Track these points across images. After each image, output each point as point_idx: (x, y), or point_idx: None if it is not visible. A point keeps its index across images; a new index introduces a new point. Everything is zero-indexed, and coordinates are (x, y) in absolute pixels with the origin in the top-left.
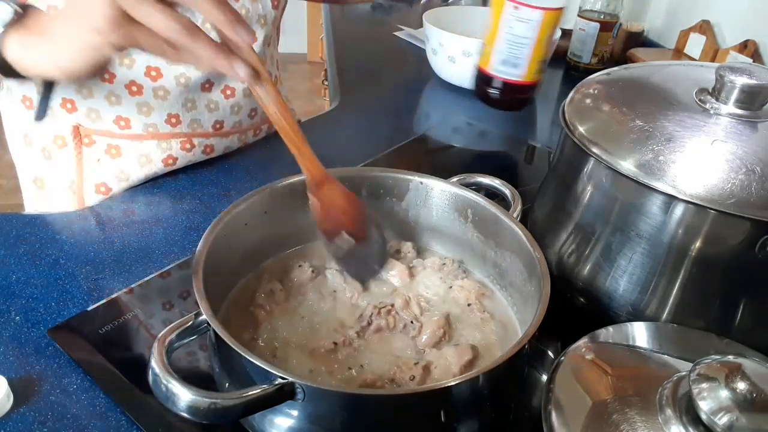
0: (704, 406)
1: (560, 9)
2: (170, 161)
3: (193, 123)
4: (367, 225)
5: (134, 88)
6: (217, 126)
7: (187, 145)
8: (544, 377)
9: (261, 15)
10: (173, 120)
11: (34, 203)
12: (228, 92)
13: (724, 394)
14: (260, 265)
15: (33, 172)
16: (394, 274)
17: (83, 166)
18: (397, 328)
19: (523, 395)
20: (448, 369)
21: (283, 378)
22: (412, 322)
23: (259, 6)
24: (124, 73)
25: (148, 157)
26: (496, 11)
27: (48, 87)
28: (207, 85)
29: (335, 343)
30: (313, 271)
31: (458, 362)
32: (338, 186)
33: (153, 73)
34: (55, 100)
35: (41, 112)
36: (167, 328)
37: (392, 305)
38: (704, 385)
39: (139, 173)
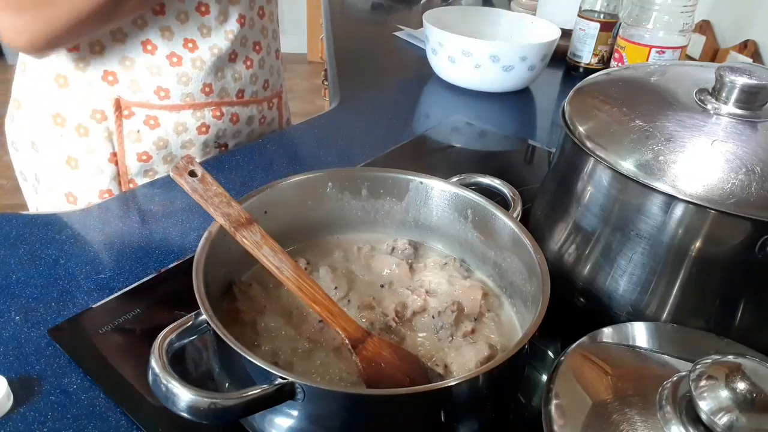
0: (704, 406)
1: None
2: (203, 129)
3: (222, 92)
4: (425, 371)
5: (175, 59)
6: (240, 95)
7: (217, 113)
8: (544, 377)
9: None
10: (207, 89)
11: (66, 184)
12: (248, 63)
13: (724, 394)
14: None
15: (66, 151)
16: (391, 270)
17: (124, 138)
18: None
19: (523, 395)
20: (464, 366)
21: (283, 378)
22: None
23: None
24: (165, 44)
25: (185, 125)
26: (641, 57)
27: None
28: (233, 56)
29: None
30: (307, 267)
31: (475, 360)
32: (382, 339)
33: (190, 45)
34: (96, 73)
35: None
36: (167, 328)
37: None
38: (704, 385)
39: (176, 141)
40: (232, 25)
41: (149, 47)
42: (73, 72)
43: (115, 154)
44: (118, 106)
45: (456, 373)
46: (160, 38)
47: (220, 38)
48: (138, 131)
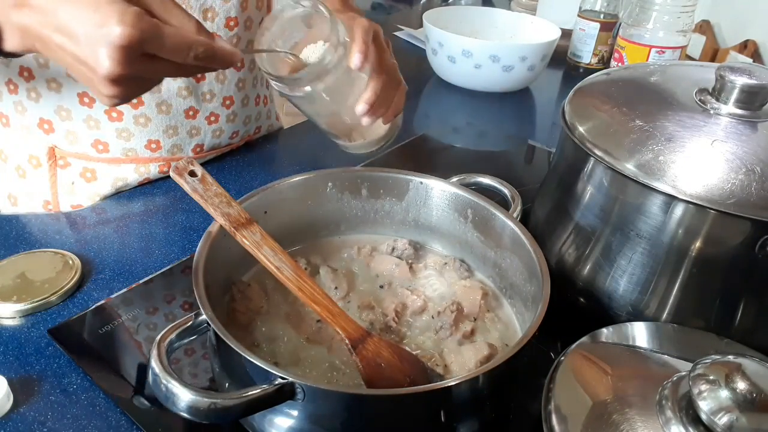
0: (704, 406)
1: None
2: (145, 182)
3: (173, 148)
4: (425, 371)
5: (114, 114)
6: (197, 149)
7: (165, 169)
8: (544, 377)
9: None
10: (153, 145)
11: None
12: (212, 118)
13: (724, 394)
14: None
15: (7, 188)
16: (391, 270)
17: (57, 188)
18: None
19: (523, 395)
20: (464, 366)
21: (283, 378)
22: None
23: None
24: None
25: (125, 180)
26: (641, 57)
27: None
28: (191, 112)
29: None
30: (307, 268)
31: (475, 359)
32: (381, 339)
33: (134, 101)
34: (32, 119)
35: None
36: (167, 328)
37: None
38: (704, 385)
39: (112, 192)
40: (187, 81)
41: (86, 99)
42: (13, 114)
43: (48, 202)
44: (52, 155)
45: (456, 373)
46: None
47: (171, 94)
48: (72, 183)
